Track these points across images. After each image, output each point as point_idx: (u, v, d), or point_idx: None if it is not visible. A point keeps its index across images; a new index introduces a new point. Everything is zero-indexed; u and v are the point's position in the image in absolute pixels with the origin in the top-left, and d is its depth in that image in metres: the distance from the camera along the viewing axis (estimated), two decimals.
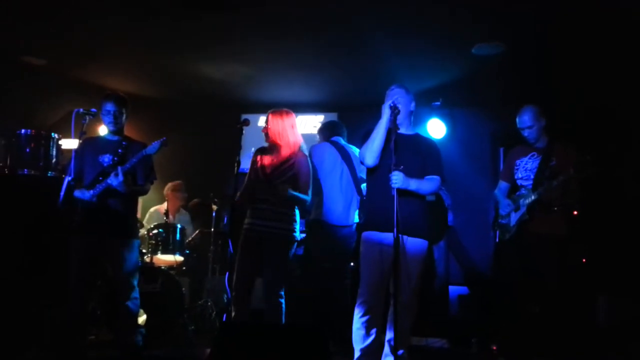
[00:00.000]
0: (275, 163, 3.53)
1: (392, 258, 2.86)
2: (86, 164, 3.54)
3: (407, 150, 3.05)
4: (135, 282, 3.58)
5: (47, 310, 3.25)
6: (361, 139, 3.21)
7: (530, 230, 3.53)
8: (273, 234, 3.45)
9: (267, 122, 3.56)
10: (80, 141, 3.59)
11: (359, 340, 3.06)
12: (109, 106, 3.55)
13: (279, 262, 3.47)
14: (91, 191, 3.42)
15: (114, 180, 3.35)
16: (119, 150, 3.52)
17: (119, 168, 3.37)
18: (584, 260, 4.52)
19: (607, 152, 4.55)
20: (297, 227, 3.57)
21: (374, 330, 3.05)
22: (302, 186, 3.50)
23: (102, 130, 5.97)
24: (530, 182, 3.58)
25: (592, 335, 4.05)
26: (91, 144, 3.63)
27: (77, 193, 3.47)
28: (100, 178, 3.44)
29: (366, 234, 3.14)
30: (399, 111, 3.07)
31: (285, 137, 3.54)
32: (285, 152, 3.53)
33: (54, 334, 3.45)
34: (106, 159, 3.52)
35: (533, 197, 3.49)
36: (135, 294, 3.57)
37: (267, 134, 3.57)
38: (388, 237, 2.95)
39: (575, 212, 3.90)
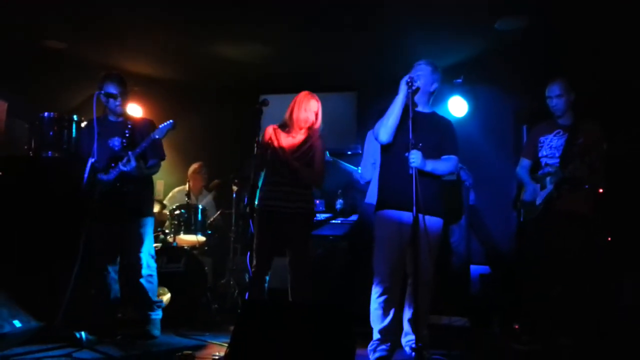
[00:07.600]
0: (295, 145, 3.55)
1: (411, 237, 2.84)
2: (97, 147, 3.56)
3: (423, 129, 2.96)
4: (149, 261, 3.63)
5: (74, 291, 3.32)
6: (375, 117, 3.13)
7: (556, 208, 3.47)
8: (298, 214, 3.49)
9: (300, 103, 3.58)
10: (86, 123, 3.61)
11: (377, 320, 3.04)
12: (113, 88, 3.54)
13: (305, 239, 3.56)
14: (106, 176, 3.48)
15: (127, 166, 3.40)
16: (126, 133, 3.51)
17: (130, 154, 3.40)
18: (609, 238, 4.44)
19: (635, 129, 4.43)
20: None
21: (392, 310, 3.02)
22: (316, 170, 3.56)
23: None
24: (556, 159, 3.51)
25: (617, 314, 3.99)
26: (99, 126, 3.53)
27: (100, 176, 3.52)
28: (112, 164, 3.49)
29: (383, 212, 3.08)
30: (418, 88, 2.98)
31: (311, 120, 3.59)
32: (306, 134, 3.59)
33: (82, 314, 3.54)
34: (116, 142, 3.55)
35: (561, 175, 3.42)
36: (150, 271, 3.64)
37: (290, 115, 3.57)
38: (406, 215, 2.92)
39: (601, 190, 3.82)
